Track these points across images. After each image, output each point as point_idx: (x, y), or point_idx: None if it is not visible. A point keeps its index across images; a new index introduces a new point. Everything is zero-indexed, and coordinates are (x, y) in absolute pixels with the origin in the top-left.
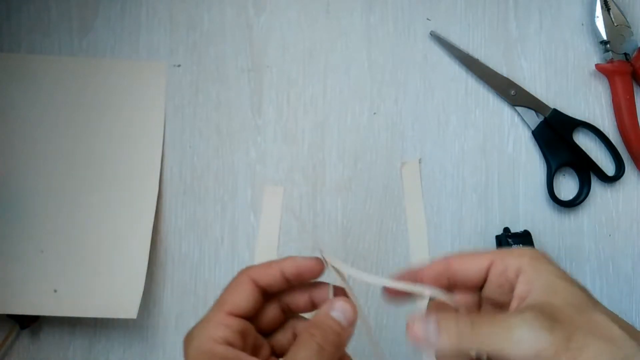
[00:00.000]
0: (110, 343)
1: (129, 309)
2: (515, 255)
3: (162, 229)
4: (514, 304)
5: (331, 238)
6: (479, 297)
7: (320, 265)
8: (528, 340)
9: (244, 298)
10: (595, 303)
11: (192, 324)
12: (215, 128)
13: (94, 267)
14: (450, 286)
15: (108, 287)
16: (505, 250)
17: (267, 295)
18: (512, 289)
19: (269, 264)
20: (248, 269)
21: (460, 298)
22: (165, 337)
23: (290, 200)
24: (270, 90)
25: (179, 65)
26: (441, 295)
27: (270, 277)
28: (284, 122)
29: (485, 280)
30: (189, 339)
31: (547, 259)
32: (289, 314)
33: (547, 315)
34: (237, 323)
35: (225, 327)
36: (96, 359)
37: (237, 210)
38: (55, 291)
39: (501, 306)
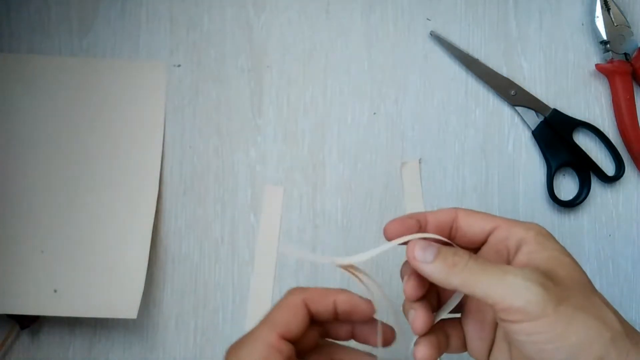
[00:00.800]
0: (110, 343)
1: (129, 309)
2: (521, 227)
3: (162, 229)
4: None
5: (331, 238)
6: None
7: (372, 308)
8: (519, 289)
9: (298, 322)
10: (593, 287)
11: (192, 324)
12: (215, 128)
13: (94, 267)
14: (451, 238)
15: (108, 287)
16: (512, 220)
17: (313, 321)
18: (507, 257)
19: (325, 292)
20: (303, 291)
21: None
22: (165, 337)
23: (290, 200)
24: (270, 90)
25: (179, 65)
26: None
27: (323, 307)
28: (284, 122)
29: (484, 242)
30: (235, 354)
31: (552, 237)
32: (325, 336)
33: (547, 276)
34: (288, 349)
35: (277, 352)
36: (96, 359)
37: (237, 210)
38: (55, 291)
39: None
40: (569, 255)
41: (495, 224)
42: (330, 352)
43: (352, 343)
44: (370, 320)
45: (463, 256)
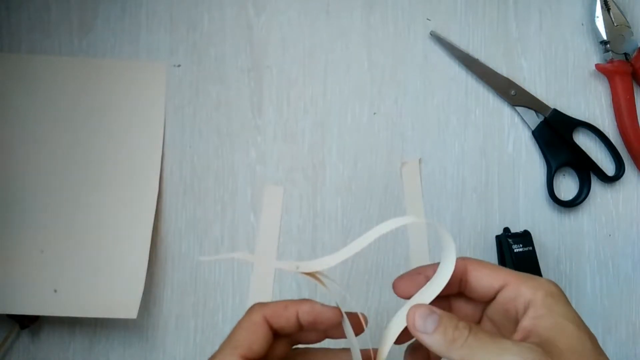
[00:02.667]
0: (110, 343)
1: (129, 309)
2: (531, 286)
3: (162, 229)
4: (517, 336)
5: (331, 238)
6: (481, 311)
7: (339, 316)
8: None
9: (260, 341)
10: (598, 354)
11: (192, 324)
12: (215, 128)
13: (94, 267)
14: (459, 292)
15: (108, 287)
16: (522, 276)
17: (277, 335)
18: (515, 317)
19: (285, 305)
20: (262, 307)
21: (462, 306)
22: (165, 337)
23: (290, 200)
24: (270, 90)
25: (179, 65)
26: (441, 230)
27: (285, 320)
28: (284, 122)
29: (493, 298)
30: None
31: (562, 298)
32: (295, 344)
33: (544, 352)
34: None
35: None
36: (96, 359)
37: (237, 210)
38: (55, 291)
39: (499, 328)
40: (575, 321)
41: (505, 281)
42: (303, 359)
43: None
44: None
45: (463, 331)
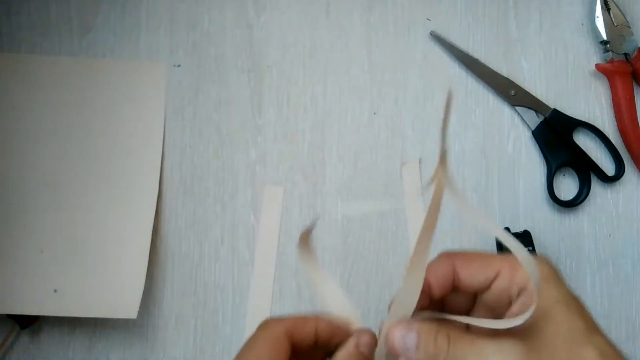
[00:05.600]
0: (110, 343)
1: (129, 309)
2: (524, 272)
3: (162, 229)
4: None
5: (331, 238)
6: (474, 299)
7: (349, 332)
8: None
9: (280, 357)
10: (591, 334)
11: (192, 324)
12: (215, 128)
13: (94, 267)
14: (454, 290)
15: (108, 287)
16: (515, 262)
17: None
18: (509, 303)
19: (304, 320)
20: (281, 320)
21: (453, 299)
22: (165, 337)
23: (290, 200)
24: (270, 90)
25: (179, 66)
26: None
27: (305, 335)
28: (284, 122)
29: (487, 288)
30: None
31: (553, 280)
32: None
33: (527, 347)
34: None
35: None
36: (96, 359)
37: (237, 210)
38: (55, 291)
39: (493, 312)
40: (566, 302)
41: (496, 271)
42: None
43: None
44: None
45: (442, 344)
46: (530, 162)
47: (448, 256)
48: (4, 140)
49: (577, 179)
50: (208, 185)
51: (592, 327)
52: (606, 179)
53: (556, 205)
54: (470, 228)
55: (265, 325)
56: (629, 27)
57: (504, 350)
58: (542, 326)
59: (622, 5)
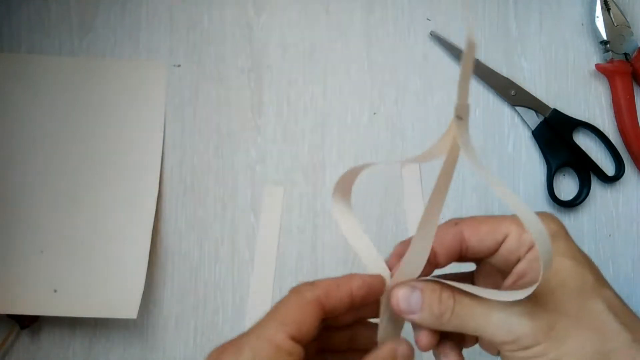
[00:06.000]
0: (110, 343)
1: (129, 309)
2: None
3: (162, 229)
4: (509, 281)
5: (331, 238)
6: (480, 261)
7: (383, 281)
8: (507, 325)
9: (310, 322)
10: (600, 287)
11: (192, 324)
12: (215, 128)
13: (94, 267)
14: (461, 258)
15: (108, 287)
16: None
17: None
18: (517, 261)
19: (337, 283)
20: (312, 286)
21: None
22: (165, 337)
23: (290, 200)
24: (270, 90)
25: (179, 65)
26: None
27: (338, 301)
28: (284, 122)
29: (495, 251)
30: (234, 354)
31: (561, 235)
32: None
33: (533, 300)
34: (298, 352)
35: (286, 355)
36: (96, 359)
37: (237, 210)
38: (55, 291)
39: (499, 271)
40: (574, 256)
41: (504, 234)
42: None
43: None
44: (367, 326)
45: (448, 303)
46: (530, 162)
47: (455, 224)
48: (3, 140)
49: (577, 179)
50: (208, 185)
51: (601, 281)
52: (606, 179)
53: (556, 205)
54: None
55: (297, 290)
56: (629, 27)
57: (510, 307)
58: (551, 280)
59: (622, 5)
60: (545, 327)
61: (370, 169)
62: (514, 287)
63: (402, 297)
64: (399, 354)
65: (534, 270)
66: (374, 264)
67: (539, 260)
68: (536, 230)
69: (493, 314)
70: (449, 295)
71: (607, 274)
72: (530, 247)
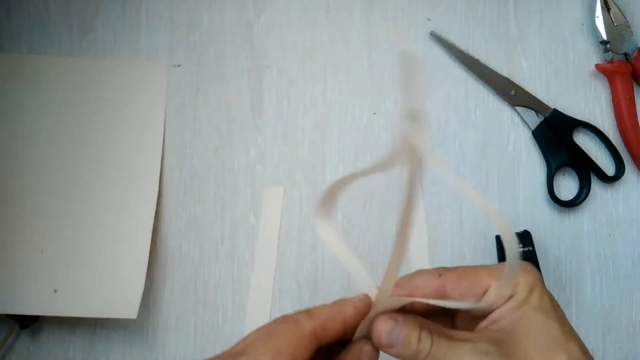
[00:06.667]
0: (110, 343)
1: (129, 309)
2: (512, 286)
3: (162, 229)
4: (482, 324)
5: None
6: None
7: (371, 302)
8: None
9: (305, 356)
10: (566, 341)
11: (192, 324)
12: (215, 128)
13: (94, 267)
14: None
15: (108, 287)
16: (501, 275)
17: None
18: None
19: (332, 315)
20: (310, 317)
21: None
22: (165, 337)
23: (290, 200)
24: (270, 90)
25: (179, 65)
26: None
27: (332, 333)
28: (284, 122)
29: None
30: None
31: (537, 289)
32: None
33: (502, 351)
34: None
35: None
36: (96, 359)
37: (237, 210)
38: (55, 291)
39: (479, 318)
40: (545, 309)
41: (486, 285)
42: None
43: None
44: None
45: (425, 343)
46: (530, 162)
47: (439, 275)
48: (3, 140)
49: (577, 179)
50: (208, 185)
51: (568, 334)
52: (606, 179)
53: (556, 205)
54: (470, 228)
55: (294, 319)
56: (629, 27)
57: (478, 350)
58: (520, 331)
59: (622, 5)
60: None
61: (349, 182)
62: (488, 329)
63: (385, 332)
64: (364, 352)
65: (508, 316)
66: (362, 281)
67: (505, 266)
68: (505, 232)
69: (463, 359)
70: (428, 335)
71: (607, 274)
72: (508, 299)
